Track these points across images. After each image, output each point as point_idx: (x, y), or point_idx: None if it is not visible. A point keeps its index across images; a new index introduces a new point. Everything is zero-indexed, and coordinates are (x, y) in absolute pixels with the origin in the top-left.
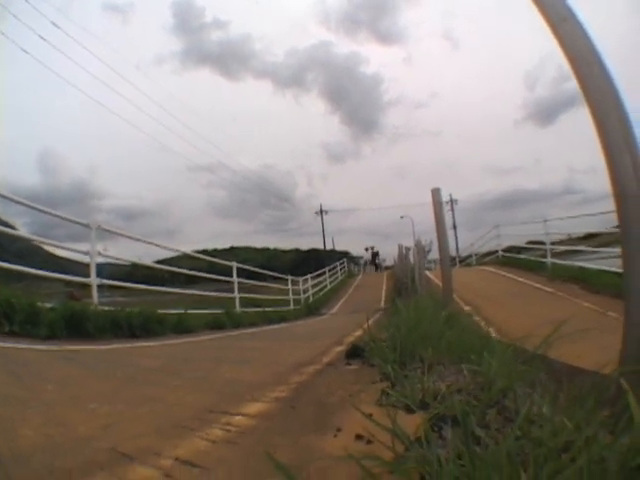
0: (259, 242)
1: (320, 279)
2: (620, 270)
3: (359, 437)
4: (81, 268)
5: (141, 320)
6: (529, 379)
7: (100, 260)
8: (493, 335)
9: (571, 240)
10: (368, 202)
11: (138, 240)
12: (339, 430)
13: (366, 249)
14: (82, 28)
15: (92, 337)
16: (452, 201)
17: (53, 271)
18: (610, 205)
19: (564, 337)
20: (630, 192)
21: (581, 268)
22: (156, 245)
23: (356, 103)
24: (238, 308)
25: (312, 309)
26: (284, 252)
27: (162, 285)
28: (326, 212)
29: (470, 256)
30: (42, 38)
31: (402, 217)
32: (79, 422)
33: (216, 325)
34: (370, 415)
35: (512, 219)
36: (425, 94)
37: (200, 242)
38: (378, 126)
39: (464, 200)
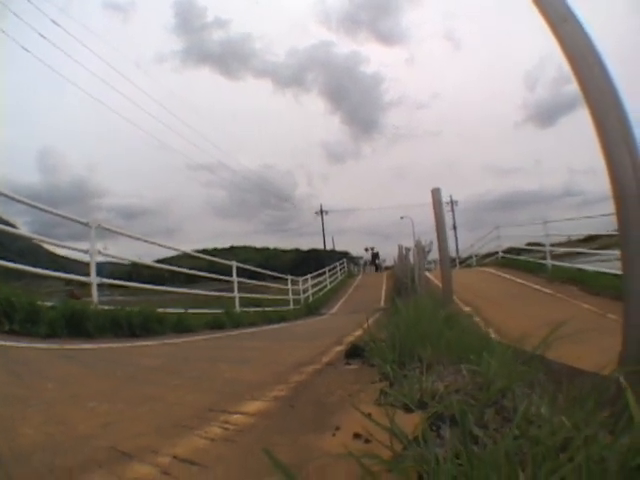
0: (259, 242)
1: (320, 279)
2: (619, 272)
3: (357, 436)
4: (81, 267)
5: (141, 319)
6: (528, 380)
7: (100, 259)
8: (492, 336)
9: (571, 242)
10: (368, 202)
11: (138, 239)
12: (338, 429)
13: (366, 249)
14: (83, 26)
15: (92, 336)
16: (452, 202)
17: (53, 270)
18: (610, 207)
19: (564, 339)
20: (630, 193)
21: (580, 270)
22: (156, 244)
23: (356, 103)
24: (238, 308)
25: (312, 309)
26: (284, 252)
27: (162, 284)
28: (326, 212)
29: (470, 257)
30: (42, 36)
31: (402, 217)
32: (79, 421)
33: (216, 325)
34: (369, 415)
35: (512, 220)
36: (426, 94)
37: (200, 241)
38: (378, 126)
39: (464, 201)
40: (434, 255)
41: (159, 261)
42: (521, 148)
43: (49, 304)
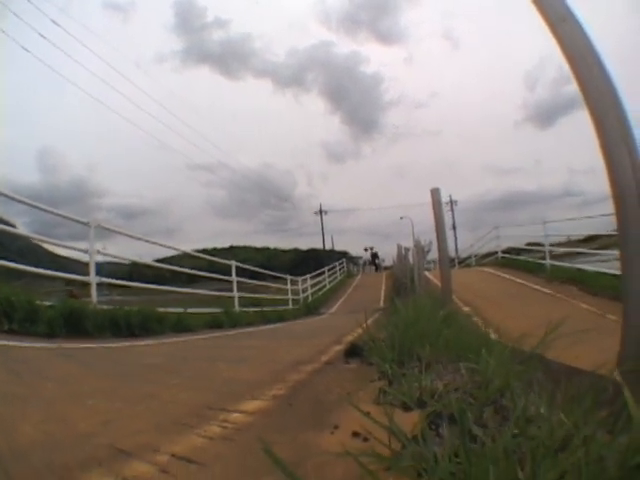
0: (259, 242)
1: (319, 279)
2: (619, 272)
3: (356, 434)
4: (81, 267)
5: (140, 319)
6: (527, 379)
7: (99, 259)
8: (491, 336)
9: (571, 242)
10: (368, 202)
11: (138, 239)
12: (336, 427)
13: (365, 249)
14: (82, 26)
15: (91, 335)
16: (452, 202)
17: (53, 270)
18: (610, 208)
19: (563, 339)
20: (629, 193)
21: (580, 270)
22: (156, 244)
23: (356, 103)
24: (237, 307)
25: (311, 309)
26: (283, 252)
27: (162, 284)
28: (325, 212)
29: (469, 257)
30: (42, 36)
31: (402, 217)
32: (78, 419)
33: (215, 324)
34: (367, 413)
35: (512, 220)
36: (425, 94)
37: (200, 241)
38: (378, 126)
39: (464, 201)
40: (433, 255)
41: (159, 261)
42: (521, 148)
43: (48, 303)
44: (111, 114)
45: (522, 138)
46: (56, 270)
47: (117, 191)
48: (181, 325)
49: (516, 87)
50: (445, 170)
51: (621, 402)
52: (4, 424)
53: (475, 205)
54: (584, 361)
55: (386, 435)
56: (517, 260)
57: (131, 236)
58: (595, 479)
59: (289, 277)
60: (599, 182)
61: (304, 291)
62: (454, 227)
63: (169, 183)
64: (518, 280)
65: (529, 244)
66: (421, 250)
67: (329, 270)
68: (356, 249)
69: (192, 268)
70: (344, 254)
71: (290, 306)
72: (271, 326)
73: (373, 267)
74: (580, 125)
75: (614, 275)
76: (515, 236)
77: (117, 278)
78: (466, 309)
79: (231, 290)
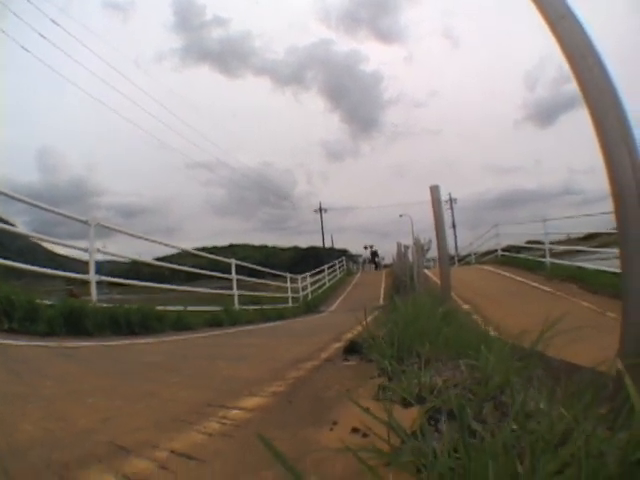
0: (258, 240)
1: (319, 277)
2: (619, 270)
3: (355, 430)
4: (80, 266)
5: (140, 317)
6: (526, 375)
7: (99, 257)
8: (491, 333)
9: (571, 240)
10: (367, 200)
11: (138, 237)
12: (335, 424)
13: (365, 247)
14: (82, 26)
15: (91, 334)
16: (451, 200)
17: (53, 269)
18: (609, 206)
19: (563, 338)
20: (628, 193)
21: (580, 268)
22: (155, 242)
23: (356, 101)
24: (237, 305)
25: (311, 307)
26: (283, 250)
27: (162, 283)
28: (325, 210)
29: (469, 255)
30: (42, 36)
31: (401, 215)
32: (78, 416)
33: (215, 322)
34: (367, 409)
35: (512, 219)
36: (425, 93)
37: (199, 240)
38: (378, 124)
39: (464, 199)
40: (433, 253)
41: (159, 259)
42: (521, 147)
43: (48, 302)
44: (111, 113)
45: (522, 137)
46: (56, 269)
47: (116, 190)
48: (181, 323)
49: (516, 86)
50: (445, 169)
51: (621, 398)
52: (4, 422)
53: (475, 203)
54: (584, 359)
55: (385, 431)
56: (517, 258)
57: (131, 234)
58: (595, 474)
59: (289, 275)
60: (599, 180)
61: (304, 289)
62: (454, 225)
63: (168, 182)
64: (518, 278)
65: (529, 242)
66: (420, 248)
67: (329, 268)
68: (356, 247)
69: (192, 266)
70: (344, 252)
71: (290, 304)
72: (271, 324)
73: (373, 265)
74: (580, 124)
75: (614, 273)
76: (515, 234)
77: (117, 277)
78: (466, 307)
79: (231, 288)
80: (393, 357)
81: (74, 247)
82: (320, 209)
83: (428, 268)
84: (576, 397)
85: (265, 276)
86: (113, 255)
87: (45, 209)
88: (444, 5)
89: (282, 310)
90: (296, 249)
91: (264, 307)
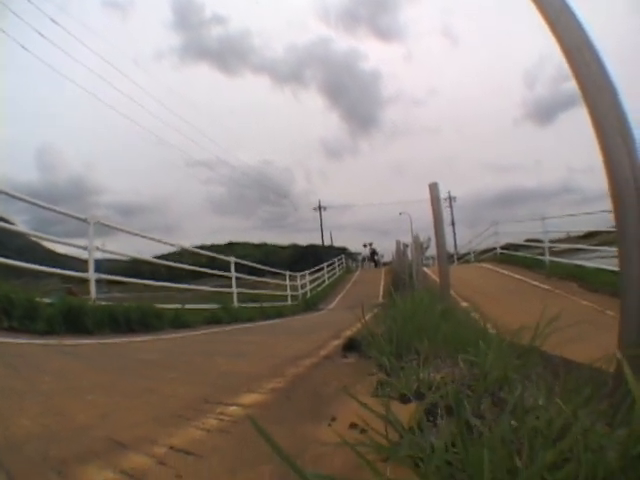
0: (257, 238)
1: (318, 275)
2: (618, 268)
3: (353, 426)
4: (80, 264)
5: (139, 315)
6: (525, 371)
7: (98, 255)
8: (490, 330)
9: (570, 239)
10: (366, 198)
11: (136, 235)
12: (334, 419)
13: (364, 245)
14: (81, 24)
15: (90, 332)
16: (450, 198)
17: (52, 267)
18: (608, 205)
19: (562, 336)
20: (627, 192)
21: (579, 266)
22: (155, 240)
23: (355, 99)
24: (236, 303)
25: (310, 304)
26: (282, 248)
27: (161, 281)
28: (324, 208)
29: (468, 253)
30: (41, 35)
31: (400, 213)
32: (76, 412)
33: (214, 320)
34: (365, 405)
35: (511, 217)
36: (424, 91)
37: (198, 238)
38: (377, 122)
39: (463, 197)
40: (432, 251)
41: (158, 257)
42: (520, 145)
43: (47, 301)
44: (110, 112)
45: (521, 135)
46: (55, 268)
47: (115, 188)
48: (180, 321)
49: (515, 84)
50: (444, 167)
51: (621, 394)
52: (2, 417)
53: (474, 201)
54: (583, 357)
55: (384, 427)
56: (516, 256)
57: (130, 232)
58: (595, 468)
59: (288, 273)
60: (598, 179)
61: (303, 287)
62: (453, 223)
63: (168, 180)
64: (517, 276)
65: (528, 240)
66: (419, 246)
67: (328, 266)
68: (355, 245)
69: (191, 264)
70: (343, 250)
71: (289, 302)
72: (270, 322)
73: (372, 263)
74: (579, 123)
75: (614, 271)
76: (514, 232)
77: (116, 275)
78: (464, 304)
79: (230, 286)
80: (392, 354)
81: (73, 245)
82: (319, 207)
83: (427, 266)
84: (575, 393)
85: (264, 274)
86: (112, 253)
87: (44, 207)
88: (443, 3)
89: (281, 308)
90: (295, 247)
91: (263, 305)
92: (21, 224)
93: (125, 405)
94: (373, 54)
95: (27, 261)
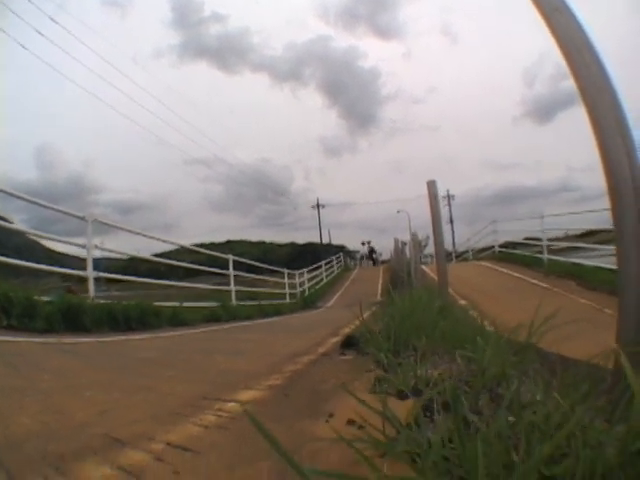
0: (255, 236)
1: (316, 273)
2: (616, 267)
3: (351, 422)
4: (79, 263)
5: (137, 313)
6: (523, 368)
7: (97, 254)
8: (488, 328)
9: (569, 237)
10: (365, 196)
11: (137, 234)
12: (331, 416)
13: (363, 243)
14: (81, 22)
15: (89, 330)
16: (449, 196)
17: (51, 266)
18: (607, 203)
19: (560, 334)
20: (625, 190)
21: (577, 265)
22: (153, 238)
23: (353, 97)
24: (234, 301)
25: (308, 302)
26: (280, 246)
27: (160, 279)
28: (323, 206)
29: (467, 251)
30: (40, 33)
31: (399, 211)
32: (75, 409)
33: (212, 318)
34: (362, 401)
35: (510, 215)
36: (423, 89)
37: (197, 236)
38: (376, 120)
39: (462, 195)
40: (431, 249)
41: (157, 256)
42: (519, 143)
43: (46, 299)
44: (108, 110)
45: (520, 134)
46: (54, 266)
47: (114, 187)
48: (178, 319)
49: (514, 83)
50: (443, 165)
51: (619, 391)
52: (1, 415)
53: (473, 199)
54: (581, 355)
55: (381, 423)
56: (514, 254)
57: (129, 231)
58: (593, 464)
59: (286, 271)
60: (596, 178)
61: (301, 285)
62: (451, 221)
63: (166, 178)
64: (515, 274)
65: (527, 238)
66: (417, 244)
67: (326, 264)
68: (353, 243)
69: (190, 263)
70: (341, 248)
71: (287, 300)
72: (268, 320)
73: (370, 261)
74: (578, 121)
75: (612, 270)
76: (513, 230)
77: (115, 273)
78: (463, 302)
79: (228, 284)
80: (389, 350)
81: (71, 243)
82: (318, 205)
83: (425, 264)
84: (573, 388)
85: (262, 272)
86: (111, 251)
87: (43, 206)
88: (443, 1)
89: (279, 306)
90: (293, 245)
91: (261, 303)
92: (20, 223)
93: (123, 403)
94: (372, 52)
95: (26, 260)
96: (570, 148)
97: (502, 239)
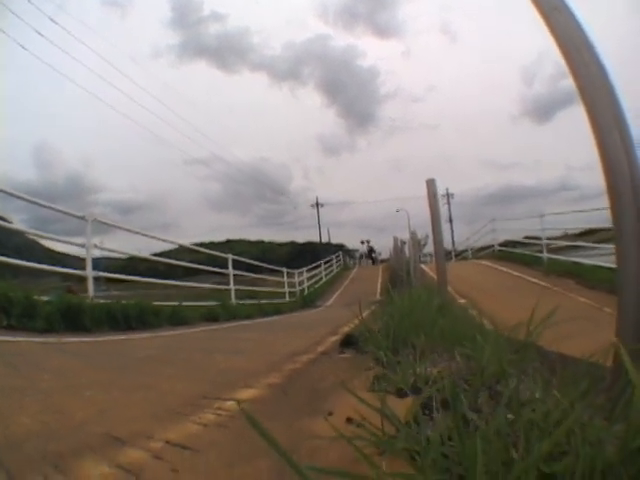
0: (255, 235)
1: (315, 272)
2: (615, 266)
3: (350, 420)
4: (78, 263)
5: (137, 312)
6: (522, 366)
7: (96, 253)
8: (487, 326)
9: (569, 236)
10: (364, 195)
11: (136, 233)
12: (330, 414)
13: (362, 242)
14: (80, 22)
15: (89, 329)
16: (448, 195)
17: (50, 266)
18: (606, 202)
19: (559, 332)
20: (624, 190)
21: (577, 263)
22: (154, 238)
23: (352, 96)
24: (234, 300)
25: (307, 301)
26: (280, 245)
27: (160, 278)
28: (322, 205)
29: (466, 250)
30: (39, 34)
31: (398, 210)
32: (75, 409)
33: (211, 317)
34: (361, 399)
35: (509, 214)
36: (422, 88)
37: (196, 235)
38: (374, 119)
39: (461, 194)
40: (430, 248)
41: (156, 255)
42: (518, 143)
43: (46, 299)
44: (108, 110)
45: (520, 133)
46: (53, 266)
47: (113, 186)
48: (178, 318)
49: (513, 82)
50: (442, 164)
51: (619, 388)
52: (1, 415)
53: (472, 198)
54: (580, 353)
55: (380, 421)
56: (514, 253)
57: (128, 230)
58: (593, 461)
59: (285, 270)
60: (595, 177)
61: (300, 284)
62: (450, 220)
63: (165, 178)
64: (515, 273)
65: (526, 237)
66: (417, 243)
67: (325, 263)
68: (353, 242)
69: (189, 262)
70: (341, 247)
71: (287, 299)
72: (268, 319)
73: (370, 260)
74: (577, 120)
75: (611, 269)
76: (512, 229)
77: (114, 273)
78: (462, 301)
79: (228, 283)
80: (388, 348)
81: (71, 243)
82: (317, 204)
83: (425, 263)
84: (572, 386)
85: (262, 271)
86: (110, 251)
87: (42, 205)
88: (442, 0)
89: (279, 305)
90: (293, 244)
91: (261, 302)
92: (20, 223)
93: (123, 402)
94: (371, 51)
95: (25, 259)
96: (569, 147)
97: (501, 238)
